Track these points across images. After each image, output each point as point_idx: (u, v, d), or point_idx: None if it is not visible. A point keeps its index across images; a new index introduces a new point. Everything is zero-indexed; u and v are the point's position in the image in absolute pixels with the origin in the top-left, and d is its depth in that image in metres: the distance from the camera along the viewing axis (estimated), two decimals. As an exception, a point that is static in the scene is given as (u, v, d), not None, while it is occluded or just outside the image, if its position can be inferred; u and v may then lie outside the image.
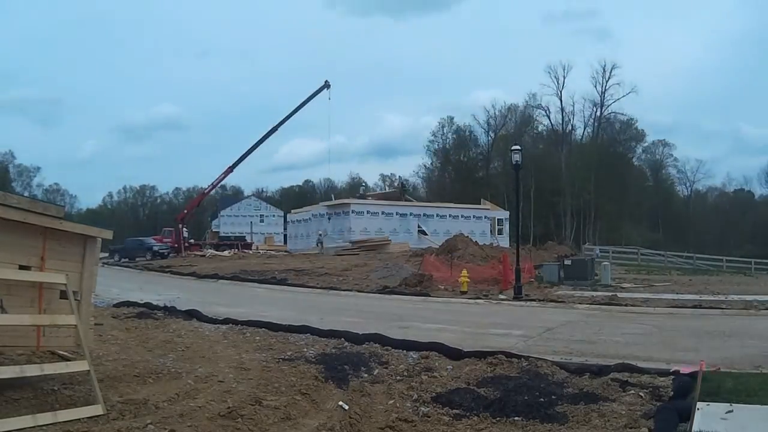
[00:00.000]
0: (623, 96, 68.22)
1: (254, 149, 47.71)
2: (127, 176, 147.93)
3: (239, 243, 46.62)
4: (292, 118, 47.52)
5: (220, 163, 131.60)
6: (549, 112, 72.22)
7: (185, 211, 49.08)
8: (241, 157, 47.65)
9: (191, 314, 12.48)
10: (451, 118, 78.50)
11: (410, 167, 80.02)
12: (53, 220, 5.86)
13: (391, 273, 23.59)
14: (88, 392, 5.51)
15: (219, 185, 54.53)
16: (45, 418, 4.86)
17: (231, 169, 47.46)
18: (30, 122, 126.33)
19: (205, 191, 53.26)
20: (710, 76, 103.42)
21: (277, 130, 47.55)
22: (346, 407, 6.14)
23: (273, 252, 43.74)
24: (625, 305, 15.88)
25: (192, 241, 46.62)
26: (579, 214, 67.32)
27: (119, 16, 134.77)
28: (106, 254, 37.13)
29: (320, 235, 43.17)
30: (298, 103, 47.18)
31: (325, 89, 46.29)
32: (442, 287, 20.55)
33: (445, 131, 78.22)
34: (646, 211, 71.45)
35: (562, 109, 71.22)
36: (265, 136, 47.69)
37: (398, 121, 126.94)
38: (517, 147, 20.73)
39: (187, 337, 9.71)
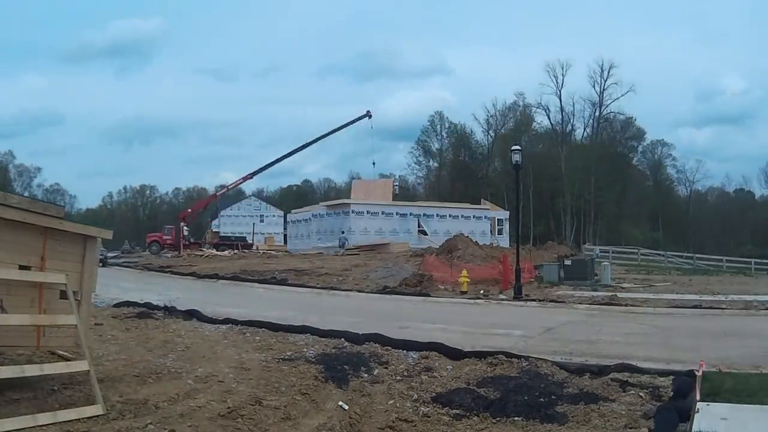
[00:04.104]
0: (622, 95, 68.25)
1: (278, 162, 49.72)
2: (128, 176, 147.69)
3: (239, 243, 46.55)
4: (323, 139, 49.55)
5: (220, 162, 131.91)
6: (549, 111, 72.21)
7: (189, 210, 49.17)
8: (262, 168, 49.57)
9: (191, 314, 12.44)
10: (441, 113, 78.68)
11: (410, 166, 79.76)
12: (53, 220, 5.86)
13: (391, 273, 23.58)
14: (88, 392, 5.50)
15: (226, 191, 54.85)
16: (45, 418, 4.86)
17: (251, 176, 49.03)
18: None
19: (217, 194, 54.04)
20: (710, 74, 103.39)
21: (307, 147, 49.73)
22: (346, 407, 6.15)
23: (273, 252, 43.65)
24: (625, 305, 15.88)
25: (191, 239, 46.61)
26: (579, 214, 67.28)
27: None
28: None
29: (342, 234, 42.45)
30: (338, 126, 49.35)
31: (367, 118, 48.44)
32: (442, 287, 20.55)
33: (438, 129, 78.28)
34: (646, 211, 71.39)
35: (562, 109, 71.24)
36: (293, 151, 49.97)
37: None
38: (518, 147, 20.74)
39: (187, 337, 9.69)
